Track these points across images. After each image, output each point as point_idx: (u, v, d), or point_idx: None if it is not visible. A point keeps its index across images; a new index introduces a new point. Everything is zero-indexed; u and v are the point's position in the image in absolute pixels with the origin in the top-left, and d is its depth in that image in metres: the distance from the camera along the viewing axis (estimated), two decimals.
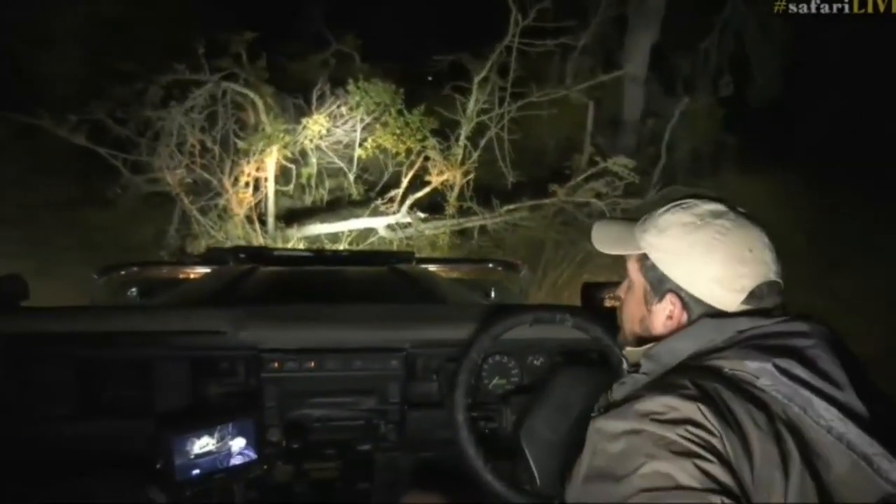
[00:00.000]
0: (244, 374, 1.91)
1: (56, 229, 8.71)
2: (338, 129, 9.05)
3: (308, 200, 9.03)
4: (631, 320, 1.25)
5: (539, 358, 1.96)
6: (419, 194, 8.53)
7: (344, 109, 8.96)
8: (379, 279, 3.07)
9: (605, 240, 1.27)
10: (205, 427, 1.73)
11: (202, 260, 3.51)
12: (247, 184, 7.72)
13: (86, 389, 1.84)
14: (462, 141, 8.61)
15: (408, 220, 8.35)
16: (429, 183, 8.60)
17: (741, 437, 0.90)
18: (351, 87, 8.78)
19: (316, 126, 8.62)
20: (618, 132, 12.70)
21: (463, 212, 8.69)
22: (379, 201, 8.77)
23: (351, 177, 9.18)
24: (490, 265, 3.68)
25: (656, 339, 1.15)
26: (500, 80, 8.68)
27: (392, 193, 8.68)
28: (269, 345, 1.88)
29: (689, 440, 0.87)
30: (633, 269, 1.24)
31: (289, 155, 8.03)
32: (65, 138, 7.51)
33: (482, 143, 8.68)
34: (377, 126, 8.83)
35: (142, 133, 7.63)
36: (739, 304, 1.07)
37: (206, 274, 3.14)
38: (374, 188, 9.38)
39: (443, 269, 3.58)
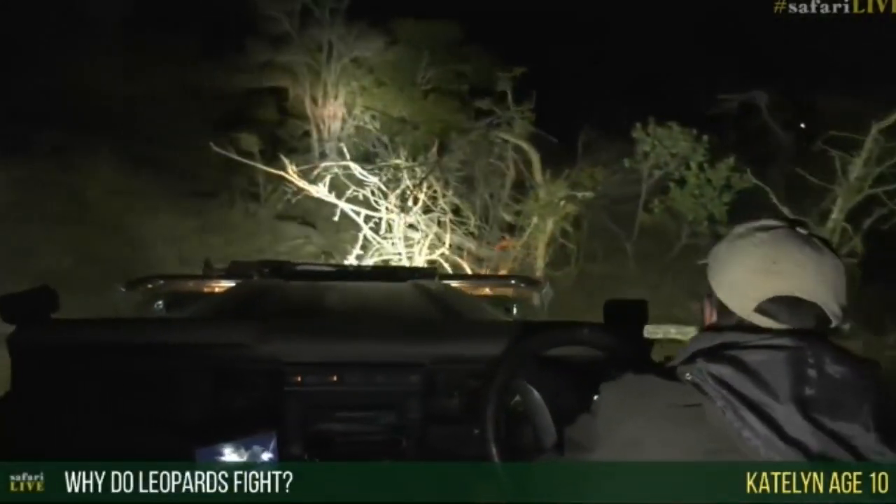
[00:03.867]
0: (267, 388, 1.91)
1: None
2: (611, 181, 7.19)
3: (573, 275, 7.06)
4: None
5: (560, 376, 1.74)
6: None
7: (625, 160, 7.09)
8: (401, 295, 3.04)
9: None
10: (228, 439, 1.71)
11: (226, 274, 3.45)
12: (515, 259, 5.94)
13: (112, 401, 1.85)
14: (834, 220, 5.86)
15: None
16: None
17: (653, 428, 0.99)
18: (637, 132, 6.91)
19: (589, 180, 6.87)
20: None
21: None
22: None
23: (629, 247, 7.20)
24: (512, 281, 3.69)
25: None
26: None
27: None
28: (291, 358, 1.90)
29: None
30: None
31: (567, 229, 6.11)
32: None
33: (868, 223, 5.83)
34: (669, 182, 6.82)
35: (384, 193, 6.37)
36: (753, 312, 1.04)
37: (231, 288, 3.12)
38: (661, 258, 7.22)
39: (465, 286, 3.50)
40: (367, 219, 6.66)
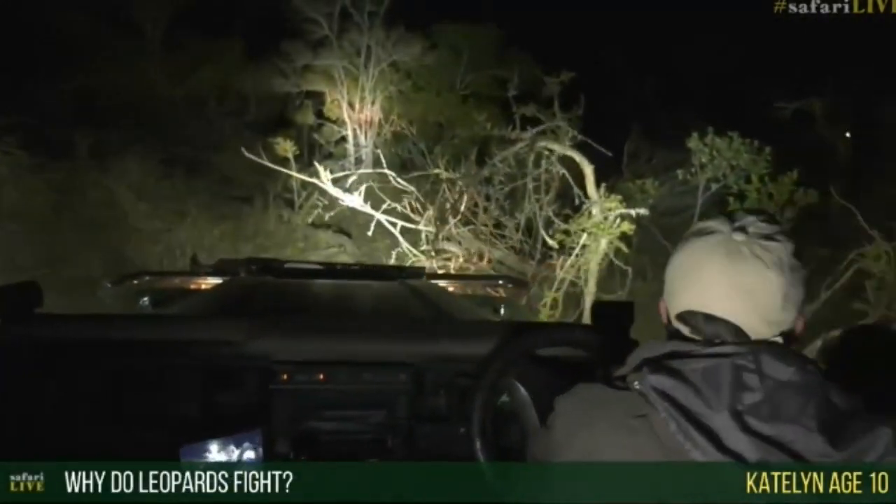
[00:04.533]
0: (254, 385, 1.91)
1: None
2: (659, 193, 6.75)
3: (623, 297, 6.60)
4: None
5: (546, 375, 1.73)
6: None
7: (678, 172, 6.65)
8: (389, 294, 3.04)
9: None
10: (214, 437, 1.72)
11: (214, 271, 3.42)
12: (555, 298, 5.38)
13: (96, 397, 1.85)
14: None
15: None
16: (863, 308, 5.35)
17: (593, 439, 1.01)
18: (693, 142, 6.46)
19: (640, 193, 6.44)
20: None
21: None
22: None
23: None
24: (500, 282, 3.65)
25: None
26: None
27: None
28: (279, 356, 1.91)
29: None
30: None
31: (623, 249, 5.62)
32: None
33: None
34: (728, 197, 6.36)
35: (423, 206, 6.02)
36: (675, 319, 1.08)
37: (218, 285, 3.10)
38: None
39: (452, 285, 3.47)
40: (404, 230, 6.35)
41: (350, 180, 7.03)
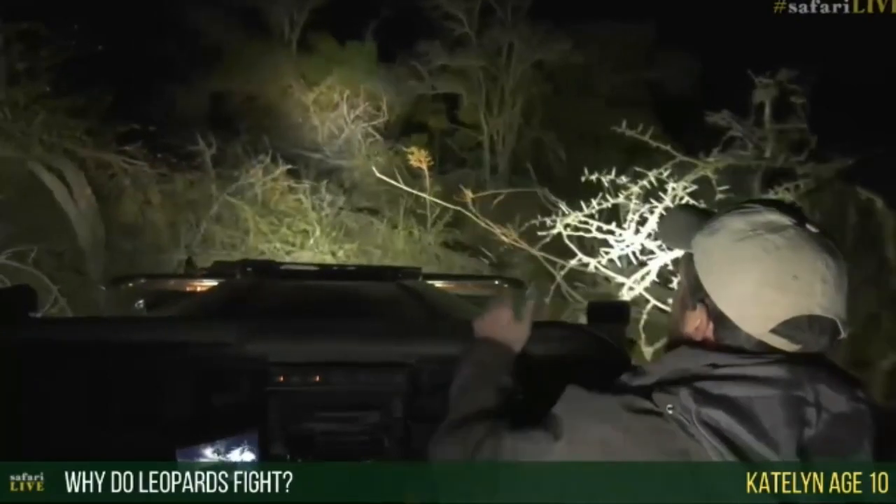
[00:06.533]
0: (249, 387, 1.90)
1: None
2: None
3: None
4: (671, 320, 1.17)
5: (542, 375, 1.69)
6: None
7: None
8: (385, 294, 3.01)
9: (667, 229, 1.21)
10: (208, 439, 1.72)
11: (209, 273, 3.37)
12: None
13: (92, 400, 1.84)
14: None
15: None
16: None
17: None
18: None
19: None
20: None
21: None
22: None
23: None
24: (496, 282, 3.65)
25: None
26: None
27: None
28: (274, 358, 1.89)
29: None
30: (682, 266, 1.12)
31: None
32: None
33: None
34: None
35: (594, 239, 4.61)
36: (768, 333, 0.94)
37: (213, 287, 3.08)
38: None
39: (449, 286, 3.46)
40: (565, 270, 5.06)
41: (496, 200, 5.91)
